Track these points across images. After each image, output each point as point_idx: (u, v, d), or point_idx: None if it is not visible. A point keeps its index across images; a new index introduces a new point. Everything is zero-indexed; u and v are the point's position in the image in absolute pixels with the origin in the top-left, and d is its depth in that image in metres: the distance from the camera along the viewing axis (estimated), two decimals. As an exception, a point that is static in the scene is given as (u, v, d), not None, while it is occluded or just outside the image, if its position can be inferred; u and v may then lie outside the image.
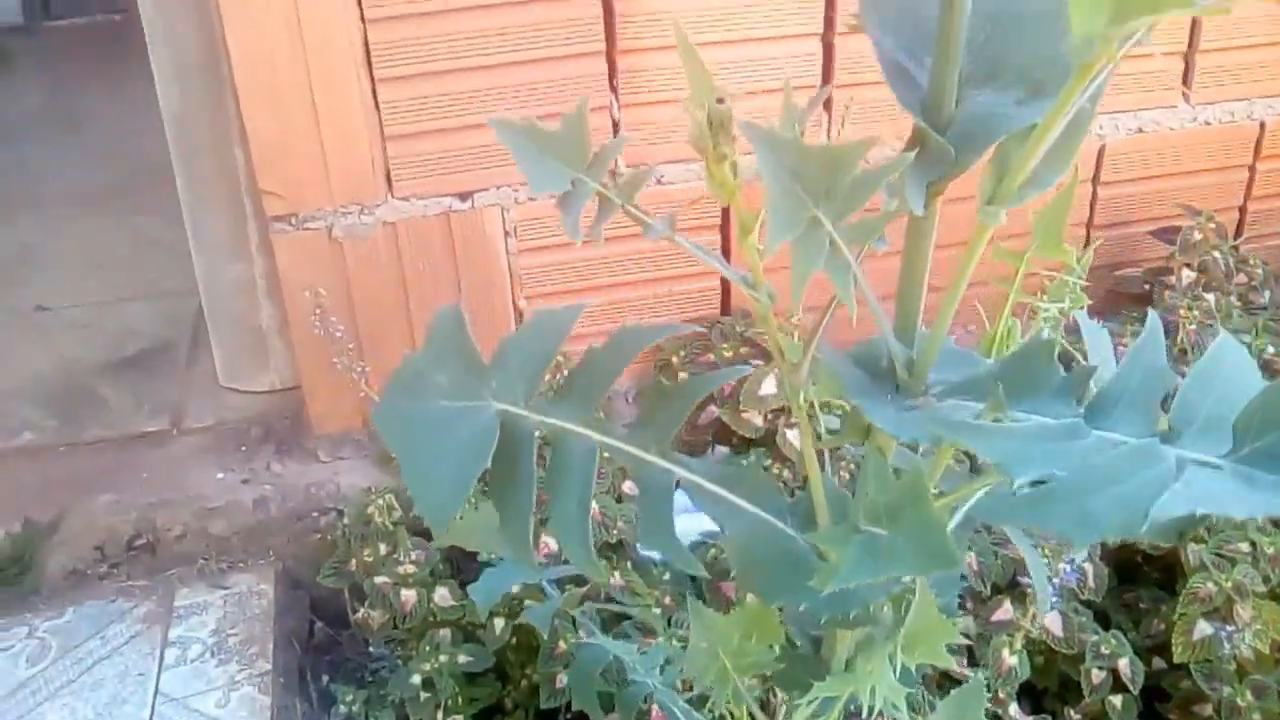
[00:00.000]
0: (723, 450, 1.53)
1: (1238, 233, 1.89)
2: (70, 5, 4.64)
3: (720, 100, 0.45)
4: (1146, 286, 1.74)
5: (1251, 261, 1.75)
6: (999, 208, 0.40)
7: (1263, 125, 1.81)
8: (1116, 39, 0.33)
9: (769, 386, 1.46)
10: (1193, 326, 1.57)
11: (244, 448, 1.59)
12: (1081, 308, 0.58)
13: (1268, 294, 1.74)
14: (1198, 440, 0.37)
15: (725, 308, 1.65)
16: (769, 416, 1.48)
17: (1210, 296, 1.65)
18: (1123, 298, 1.80)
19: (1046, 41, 0.40)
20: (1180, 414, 0.39)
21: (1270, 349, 1.59)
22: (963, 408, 0.43)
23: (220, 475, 1.54)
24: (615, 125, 1.49)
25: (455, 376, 0.54)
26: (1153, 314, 0.44)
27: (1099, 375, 0.58)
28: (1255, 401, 0.36)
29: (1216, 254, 1.67)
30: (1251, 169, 1.84)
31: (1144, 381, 0.40)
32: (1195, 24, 1.71)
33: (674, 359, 1.56)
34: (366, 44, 1.36)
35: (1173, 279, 1.68)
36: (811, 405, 0.57)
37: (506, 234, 1.51)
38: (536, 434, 0.54)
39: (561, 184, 0.46)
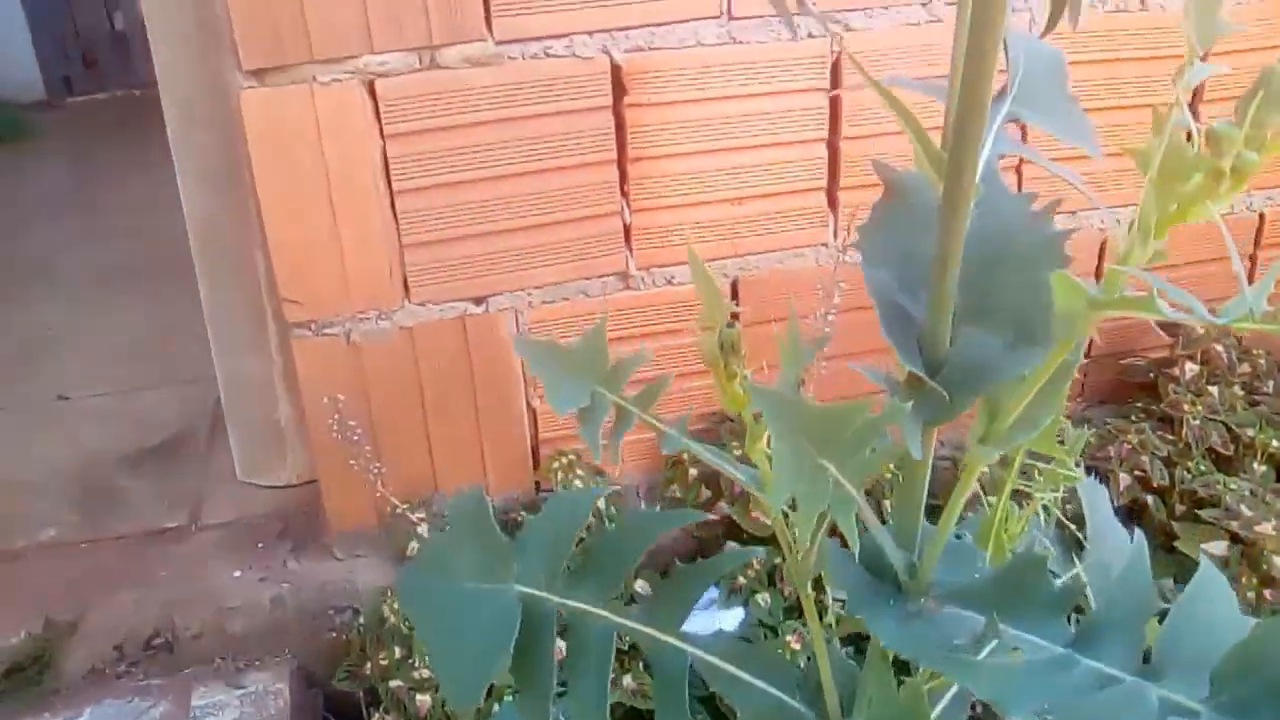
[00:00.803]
0: (733, 545, 1.55)
1: (1240, 320, 1.91)
2: (92, 81, 4.75)
3: (730, 323, 0.48)
4: (1152, 375, 1.76)
5: (1255, 352, 1.78)
6: (991, 448, 0.43)
7: (1262, 216, 1.84)
8: (1094, 320, 0.36)
9: (778, 485, 1.49)
10: (1196, 422, 1.59)
11: (261, 545, 1.61)
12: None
13: (1271, 384, 1.76)
14: (1179, 681, 0.39)
15: (735, 403, 1.67)
16: (779, 515, 1.50)
17: (1214, 389, 1.67)
18: (1129, 386, 1.82)
19: (1032, 284, 0.43)
20: (1164, 649, 0.41)
21: (1275, 443, 1.61)
22: (961, 619, 0.45)
23: (237, 573, 1.56)
24: (626, 230, 1.53)
25: (478, 558, 0.56)
26: (1139, 537, 0.46)
27: (1094, 533, 0.61)
28: (1233, 651, 0.38)
29: (1219, 346, 1.69)
30: (1253, 258, 1.87)
31: (1130, 609, 0.42)
32: (1195, 115, 1.75)
33: (684, 457, 1.59)
34: (385, 157, 1.41)
35: (1176, 370, 1.70)
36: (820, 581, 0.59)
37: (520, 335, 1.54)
38: (556, 615, 0.57)
39: (581, 399, 0.49)
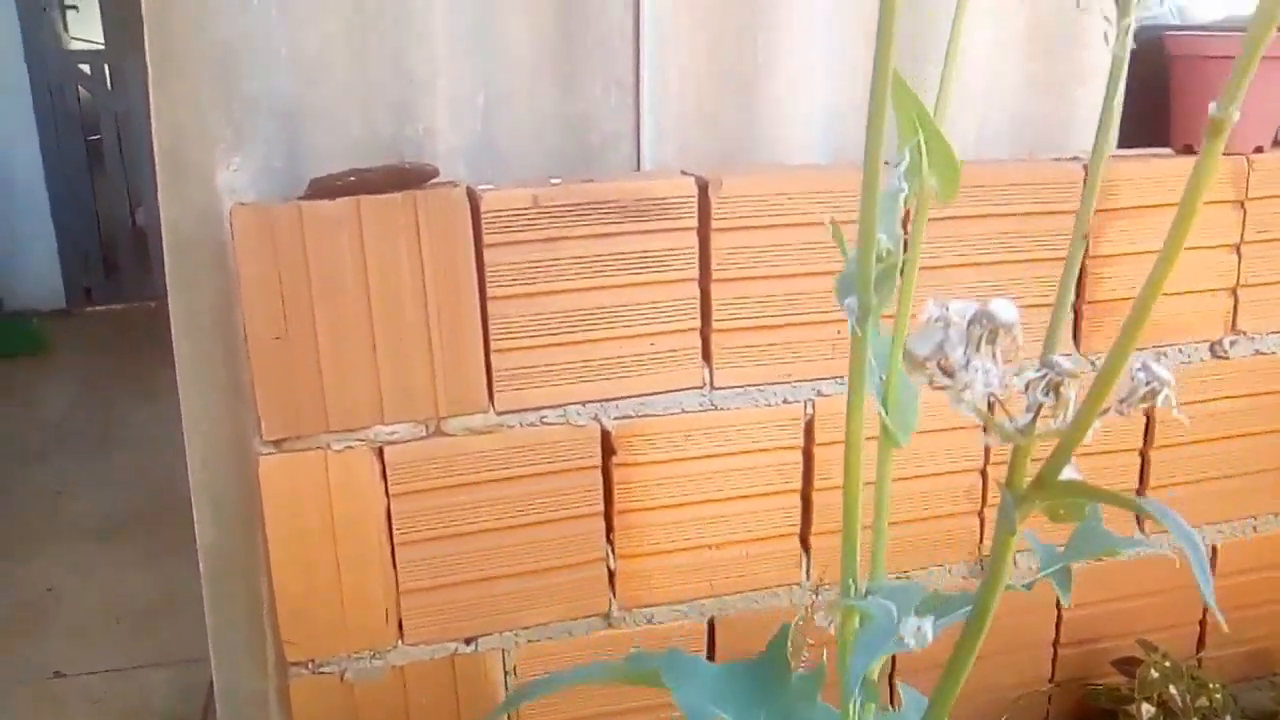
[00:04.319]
0: None
1: (1200, 645, 2.00)
2: (111, 290, 4.96)
3: None
4: (1111, 707, 1.83)
5: (1211, 685, 1.85)
6: None
7: (1215, 549, 1.95)
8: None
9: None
10: (1152, 776, 1.65)
11: None
12: None
13: (1229, 718, 1.83)
14: None
15: None
16: None
17: (1171, 731, 1.74)
18: (1092, 711, 1.89)
19: None
20: None
21: (1229, 795, 1.67)
22: None
23: None
24: (611, 574, 1.63)
25: None
26: None
27: None
28: None
29: (1174, 689, 1.77)
30: (1208, 586, 1.97)
31: None
32: (1146, 463, 1.87)
33: (660, 791, 1.64)
34: (389, 513, 1.51)
35: (1134, 709, 1.77)
36: None
37: (507, 672, 1.62)
38: None
39: None
